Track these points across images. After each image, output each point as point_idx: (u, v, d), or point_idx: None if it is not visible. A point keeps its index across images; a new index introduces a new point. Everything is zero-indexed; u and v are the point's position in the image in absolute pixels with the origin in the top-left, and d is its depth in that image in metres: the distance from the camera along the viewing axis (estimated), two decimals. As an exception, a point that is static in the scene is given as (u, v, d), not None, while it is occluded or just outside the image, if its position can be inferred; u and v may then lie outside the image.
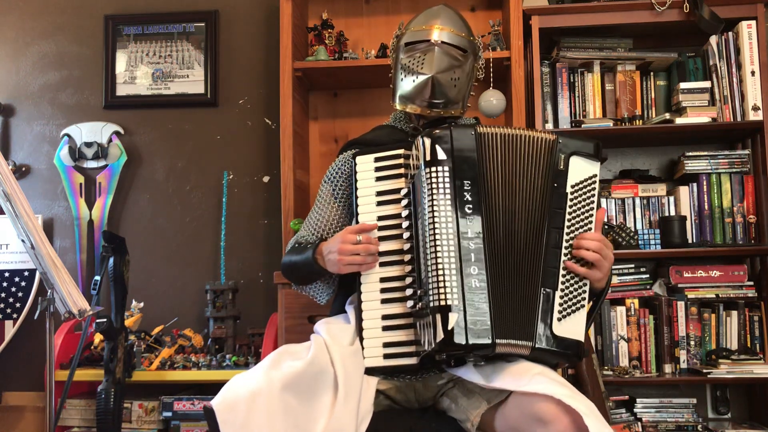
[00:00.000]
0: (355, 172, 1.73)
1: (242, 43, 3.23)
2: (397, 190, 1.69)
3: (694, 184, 2.80)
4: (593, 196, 1.64)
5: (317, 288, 1.92)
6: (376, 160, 1.73)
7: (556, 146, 1.64)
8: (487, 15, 3.05)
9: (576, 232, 1.61)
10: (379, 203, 1.71)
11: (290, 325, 2.63)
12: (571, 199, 1.62)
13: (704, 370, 2.60)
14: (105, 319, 2.44)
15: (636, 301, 2.75)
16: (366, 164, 1.73)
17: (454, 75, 1.86)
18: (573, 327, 1.57)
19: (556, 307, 1.56)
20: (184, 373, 2.70)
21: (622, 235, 2.71)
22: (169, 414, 2.69)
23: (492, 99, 2.71)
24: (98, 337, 2.86)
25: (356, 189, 1.73)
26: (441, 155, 1.59)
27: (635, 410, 2.72)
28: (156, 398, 2.74)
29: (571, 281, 1.59)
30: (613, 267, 2.77)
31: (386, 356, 1.63)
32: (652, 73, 2.87)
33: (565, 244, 1.59)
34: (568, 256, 1.59)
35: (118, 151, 3.19)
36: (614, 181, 2.89)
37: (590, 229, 1.63)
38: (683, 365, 2.71)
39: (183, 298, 3.13)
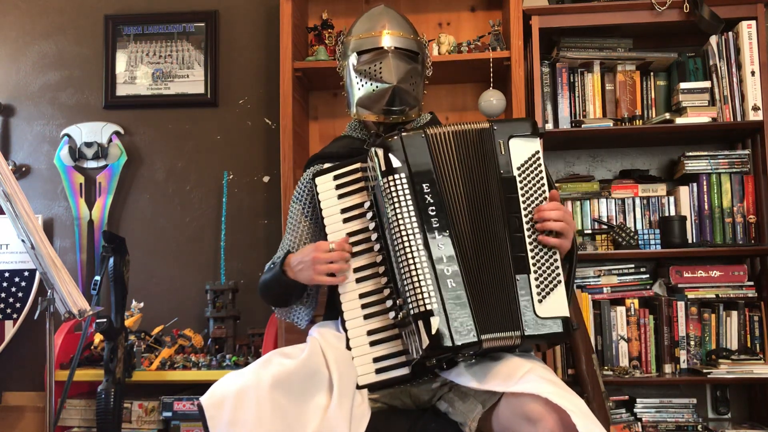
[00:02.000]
0: (317, 193, 1.74)
1: (242, 43, 3.23)
2: (361, 205, 1.70)
3: (694, 184, 2.80)
4: (541, 172, 1.66)
5: (296, 312, 1.93)
6: (336, 177, 1.74)
7: (492, 133, 1.66)
8: (487, 15, 3.05)
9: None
10: (345, 220, 1.71)
11: (290, 325, 2.60)
12: (521, 181, 1.64)
13: (704, 370, 2.60)
14: (105, 319, 2.45)
15: (636, 301, 2.75)
16: (326, 183, 1.74)
17: (412, 80, 1.88)
18: (556, 305, 1.57)
19: (534, 290, 1.57)
20: (184, 373, 2.70)
21: (622, 235, 2.71)
22: (169, 414, 2.69)
23: (492, 99, 2.71)
24: (98, 337, 2.86)
25: (321, 210, 1.73)
26: (396, 163, 1.61)
27: (635, 410, 2.72)
28: (156, 398, 2.74)
29: (542, 261, 1.60)
30: (613, 267, 2.80)
31: (378, 371, 1.63)
32: (652, 73, 2.87)
33: (526, 226, 1.61)
34: (533, 237, 1.61)
35: (118, 151, 3.19)
36: (614, 181, 2.89)
37: None
38: (683, 365, 2.71)
39: (183, 298, 3.13)
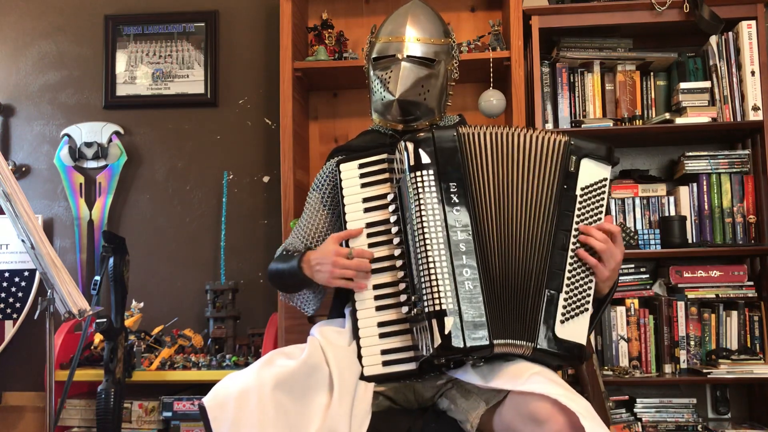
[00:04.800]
0: (340, 180, 1.72)
1: (242, 43, 3.23)
2: (384, 196, 1.69)
3: (694, 184, 2.80)
4: (603, 199, 1.63)
5: (304, 298, 1.92)
6: (361, 166, 1.72)
7: (568, 148, 1.62)
8: (487, 15, 3.05)
9: None
10: (367, 210, 1.70)
11: (290, 325, 2.63)
12: (581, 202, 1.61)
13: (704, 370, 2.60)
14: (105, 319, 2.44)
15: (636, 301, 2.75)
16: (350, 171, 1.72)
17: (422, 89, 1.84)
18: (575, 330, 1.56)
19: (560, 309, 1.55)
20: (184, 373, 2.70)
21: (622, 235, 2.70)
22: (169, 414, 2.69)
23: (492, 99, 2.71)
24: (98, 337, 2.86)
25: (342, 197, 1.71)
26: (425, 159, 1.59)
27: (635, 410, 2.72)
28: (156, 398, 2.74)
29: (576, 284, 1.58)
30: (613, 267, 2.78)
31: (385, 363, 1.62)
32: (652, 73, 2.87)
33: (571, 246, 1.58)
34: (575, 258, 1.58)
35: (118, 151, 3.19)
36: (614, 181, 2.89)
37: None
38: (683, 365, 2.71)
39: (183, 298, 3.13)
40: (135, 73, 3.24)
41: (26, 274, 3.06)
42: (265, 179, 3.16)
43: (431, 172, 1.58)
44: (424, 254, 1.54)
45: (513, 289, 1.56)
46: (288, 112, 2.76)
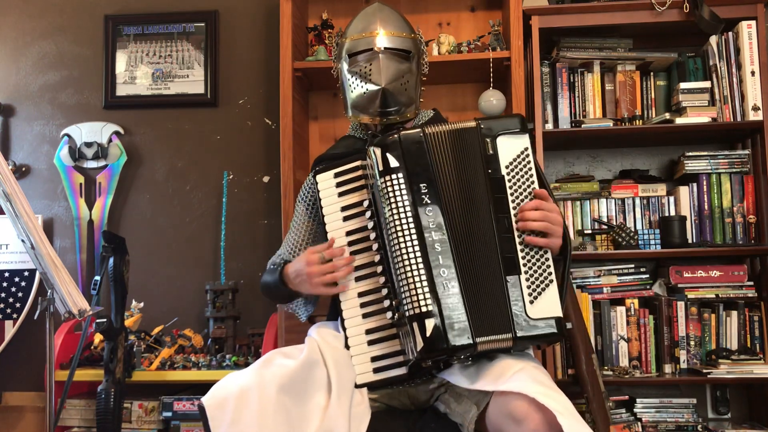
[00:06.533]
0: (318, 191, 1.74)
1: (242, 43, 3.23)
2: (360, 203, 1.70)
3: (694, 184, 2.79)
4: (531, 169, 1.64)
5: (297, 304, 1.94)
6: (336, 175, 1.73)
7: (480, 132, 1.64)
8: (487, 15, 3.05)
9: None
10: (345, 218, 1.71)
11: (290, 325, 2.63)
12: (509, 180, 1.62)
13: (704, 370, 2.60)
14: (105, 319, 2.45)
15: (636, 301, 2.75)
16: (327, 181, 1.74)
17: (403, 80, 1.85)
18: (547, 305, 1.57)
19: (525, 291, 1.56)
20: (184, 373, 2.70)
21: (622, 235, 2.71)
22: (169, 414, 2.69)
23: (492, 99, 2.71)
24: (98, 337, 2.86)
25: (321, 208, 1.73)
26: (393, 163, 1.60)
27: (635, 410, 2.72)
28: (156, 398, 2.74)
29: (532, 261, 1.59)
30: (614, 267, 2.79)
31: (376, 370, 1.63)
32: (652, 73, 2.87)
33: (515, 226, 1.60)
34: (522, 237, 1.59)
35: (118, 151, 3.19)
36: (614, 181, 2.89)
37: None
38: (683, 365, 2.71)
39: (183, 298, 3.13)
40: (135, 73, 3.24)
41: (26, 274, 3.06)
42: (265, 179, 3.16)
43: (401, 175, 1.59)
44: (400, 259, 1.55)
45: (484, 284, 1.57)
46: (288, 112, 2.76)
